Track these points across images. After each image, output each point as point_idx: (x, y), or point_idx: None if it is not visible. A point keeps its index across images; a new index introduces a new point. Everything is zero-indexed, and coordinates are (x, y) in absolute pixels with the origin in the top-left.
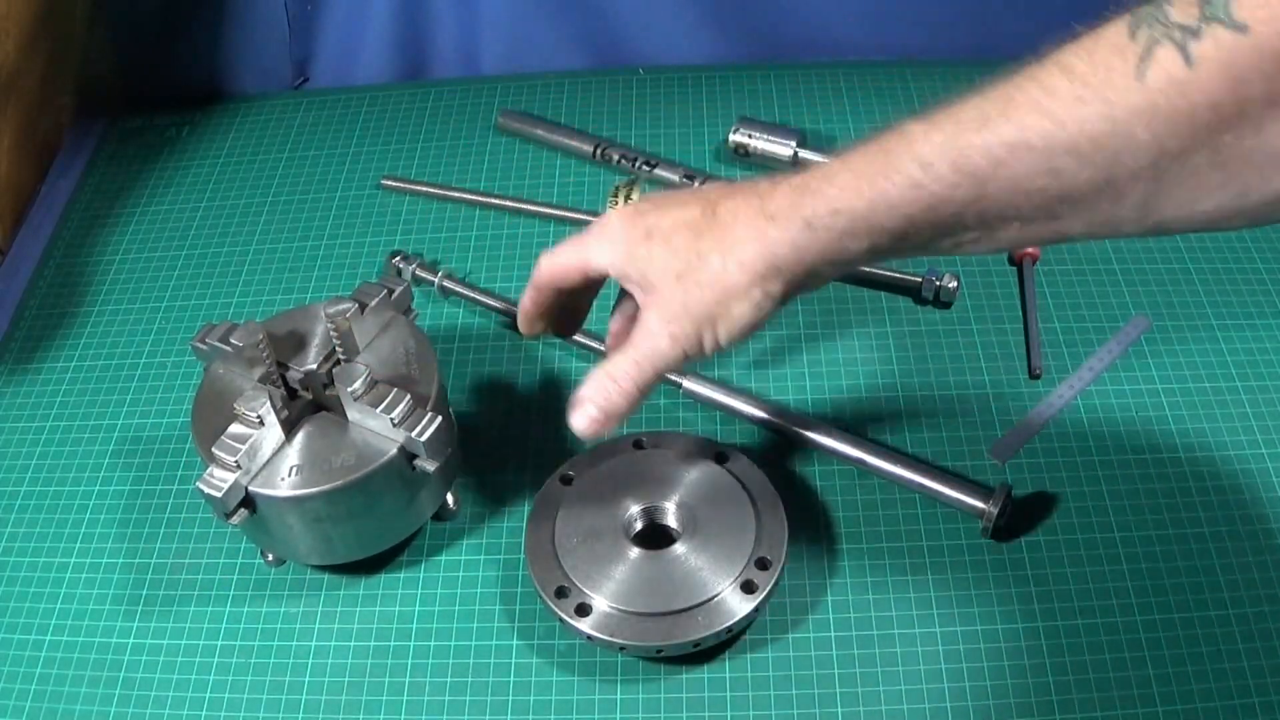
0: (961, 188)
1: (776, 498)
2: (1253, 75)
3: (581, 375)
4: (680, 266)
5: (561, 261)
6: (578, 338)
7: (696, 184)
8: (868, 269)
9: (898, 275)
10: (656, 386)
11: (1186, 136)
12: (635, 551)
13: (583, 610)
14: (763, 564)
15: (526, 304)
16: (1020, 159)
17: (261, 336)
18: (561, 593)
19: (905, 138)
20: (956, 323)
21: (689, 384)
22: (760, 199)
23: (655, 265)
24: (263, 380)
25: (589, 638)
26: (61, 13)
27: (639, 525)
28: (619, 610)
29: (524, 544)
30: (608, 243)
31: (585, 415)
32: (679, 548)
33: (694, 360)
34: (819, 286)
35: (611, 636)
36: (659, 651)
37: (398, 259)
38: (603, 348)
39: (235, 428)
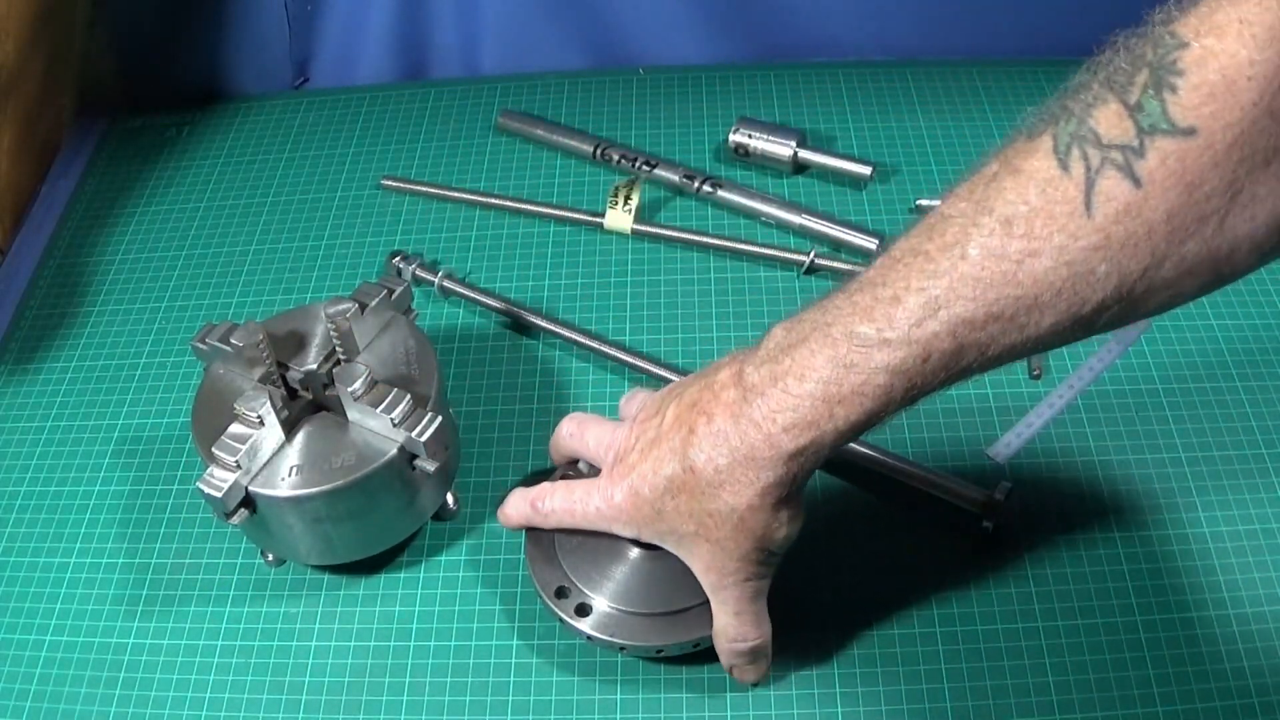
0: (931, 362)
1: None
2: (1209, 176)
3: (581, 375)
4: (704, 530)
5: (580, 519)
6: (577, 337)
7: (696, 184)
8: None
9: None
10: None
11: (1146, 256)
12: (635, 551)
13: (583, 610)
14: None
15: (523, 515)
16: (990, 334)
17: (261, 336)
18: (561, 593)
19: (864, 349)
20: None
21: None
22: (734, 440)
23: (681, 535)
24: (263, 380)
25: (589, 638)
26: (61, 13)
27: None
28: (619, 610)
29: (524, 544)
30: (627, 527)
31: (747, 674)
32: None
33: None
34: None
35: (611, 637)
36: (659, 651)
37: (398, 259)
38: (604, 349)
39: (235, 428)
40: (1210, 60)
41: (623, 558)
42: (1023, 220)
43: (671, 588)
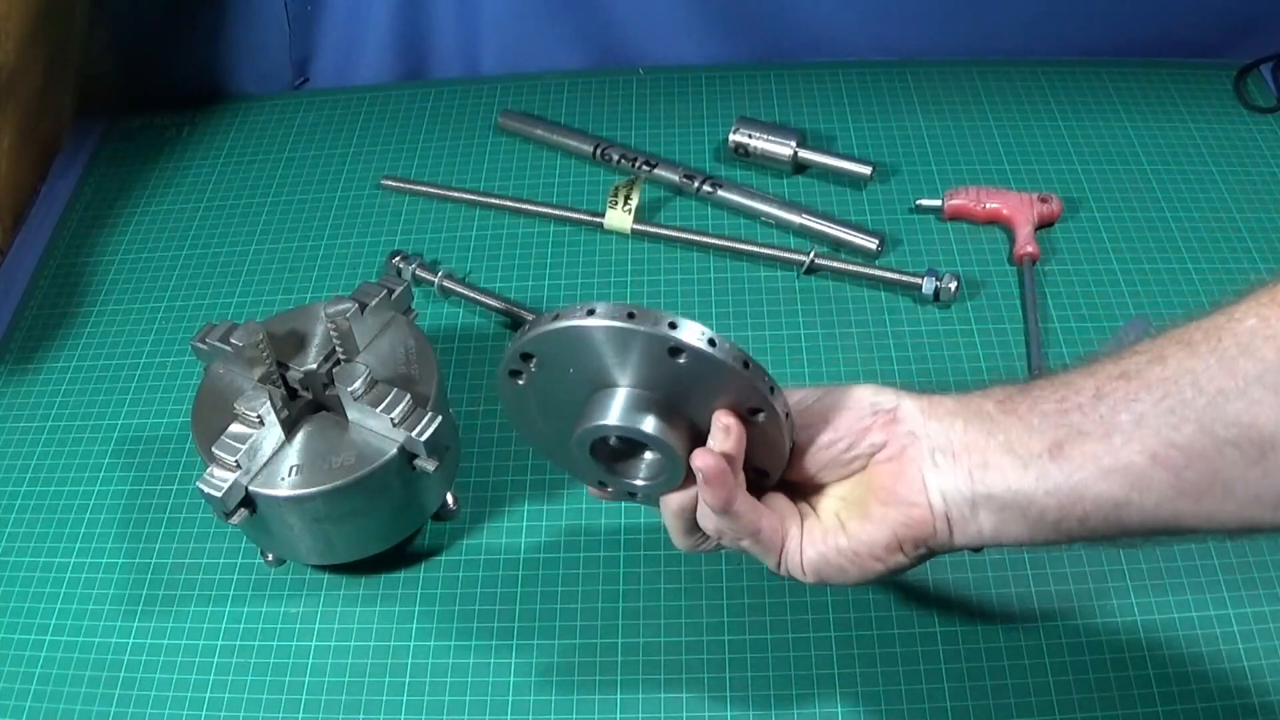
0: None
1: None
2: None
3: None
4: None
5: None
6: None
7: (696, 184)
8: (866, 269)
9: (898, 275)
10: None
11: None
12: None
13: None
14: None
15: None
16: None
17: (261, 336)
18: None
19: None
20: (956, 323)
21: None
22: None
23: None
24: (263, 380)
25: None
26: (61, 13)
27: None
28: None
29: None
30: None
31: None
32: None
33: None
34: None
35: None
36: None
37: (398, 259)
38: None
39: (235, 427)
40: None
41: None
42: None
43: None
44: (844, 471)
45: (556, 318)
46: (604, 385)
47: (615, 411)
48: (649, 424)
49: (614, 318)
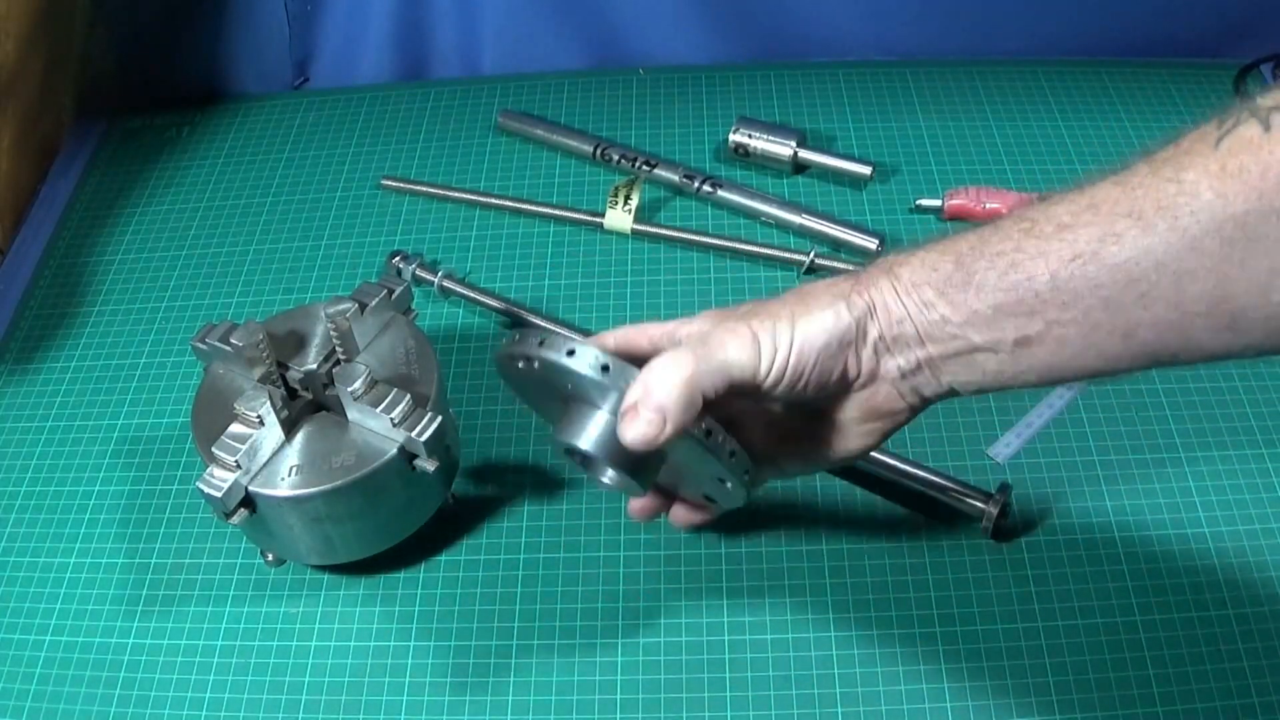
0: (1025, 248)
1: None
2: None
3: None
4: (784, 306)
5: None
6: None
7: (696, 184)
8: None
9: None
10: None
11: (1254, 197)
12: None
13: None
14: None
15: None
16: (1080, 220)
17: (261, 336)
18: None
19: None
20: None
21: None
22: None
23: (763, 310)
24: (263, 380)
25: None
26: (61, 13)
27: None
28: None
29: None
30: (716, 318)
31: (636, 422)
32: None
33: (755, 382)
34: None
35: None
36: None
37: (398, 259)
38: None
39: (235, 428)
40: None
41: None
42: (1165, 153)
43: None
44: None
45: (515, 342)
46: (575, 399)
47: (580, 434)
48: (608, 475)
49: (553, 351)
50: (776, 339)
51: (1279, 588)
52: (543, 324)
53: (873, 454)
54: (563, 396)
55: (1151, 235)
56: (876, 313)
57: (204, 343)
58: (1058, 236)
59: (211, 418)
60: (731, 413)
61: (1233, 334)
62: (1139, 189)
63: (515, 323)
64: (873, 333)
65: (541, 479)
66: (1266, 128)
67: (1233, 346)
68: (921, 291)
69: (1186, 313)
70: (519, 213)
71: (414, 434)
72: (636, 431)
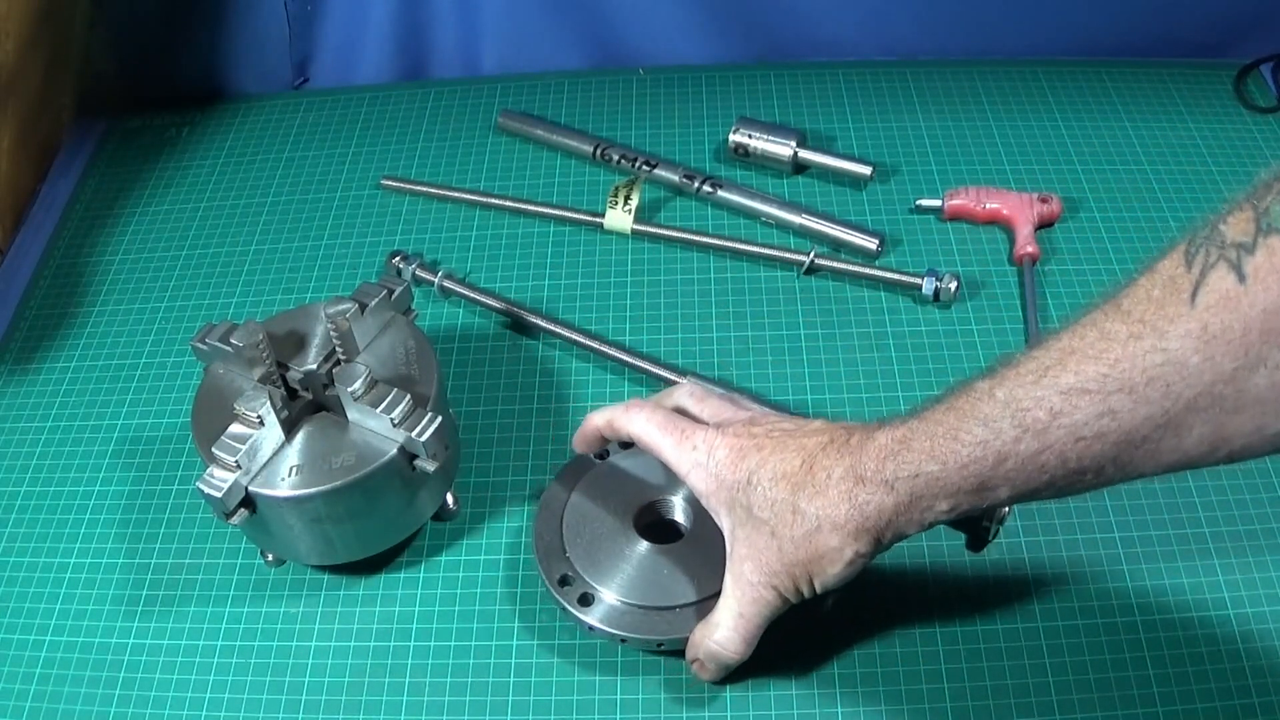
0: (1023, 441)
1: None
2: None
3: (581, 375)
4: (776, 521)
5: (647, 442)
6: (577, 338)
7: (696, 184)
8: (866, 269)
9: (898, 275)
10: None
11: (1240, 354)
12: (642, 545)
13: (585, 600)
14: None
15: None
16: (1076, 406)
17: (261, 336)
18: (565, 581)
19: (971, 396)
20: (956, 323)
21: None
22: (853, 457)
23: (753, 514)
24: (263, 380)
25: (590, 628)
26: (61, 13)
27: (647, 519)
28: (622, 603)
29: (532, 528)
30: (707, 475)
31: (704, 673)
32: (685, 543)
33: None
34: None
35: (613, 629)
36: (659, 645)
37: (398, 259)
38: (604, 349)
39: (235, 428)
40: None
41: (629, 550)
42: (1138, 308)
43: (675, 583)
44: None
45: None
46: None
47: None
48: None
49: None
50: (800, 589)
51: (1278, 587)
52: (544, 323)
53: None
54: None
55: (1149, 405)
56: (889, 539)
57: (204, 343)
58: (1056, 425)
59: (211, 418)
60: None
61: (1232, 461)
62: (1124, 362)
63: (515, 323)
64: (885, 541)
65: (541, 479)
66: (1240, 277)
67: (1234, 462)
68: (936, 507)
69: (1188, 455)
70: (519, 213)
71: (414, 434)
72: (704, 677)
